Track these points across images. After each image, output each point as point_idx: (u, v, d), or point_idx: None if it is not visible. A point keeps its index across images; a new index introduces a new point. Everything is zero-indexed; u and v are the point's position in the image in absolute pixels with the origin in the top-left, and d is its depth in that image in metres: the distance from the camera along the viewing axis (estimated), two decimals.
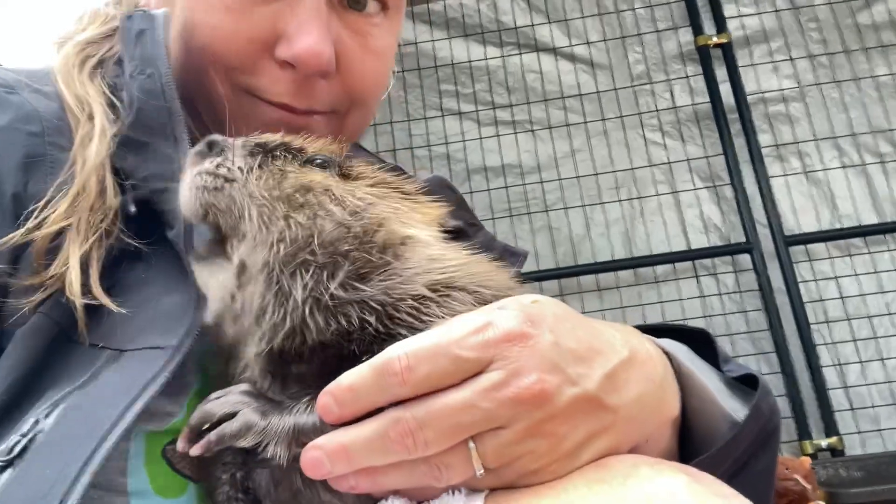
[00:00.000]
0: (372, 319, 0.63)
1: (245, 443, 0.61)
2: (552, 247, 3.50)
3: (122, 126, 0.83)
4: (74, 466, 0.58)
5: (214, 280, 0.70)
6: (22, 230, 0.72)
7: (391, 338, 0.62)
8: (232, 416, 0.62)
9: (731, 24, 3.64)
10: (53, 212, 0.73)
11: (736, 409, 0.68)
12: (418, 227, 0.72)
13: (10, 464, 0.62)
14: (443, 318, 0.62)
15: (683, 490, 0.52)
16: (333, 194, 0.70)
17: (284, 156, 0.73)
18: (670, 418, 0.67)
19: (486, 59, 3.75)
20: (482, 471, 0.55)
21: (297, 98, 0.88)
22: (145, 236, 0.81)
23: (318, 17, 0.85)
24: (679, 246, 3.47)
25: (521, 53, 3.76)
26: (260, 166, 0.71)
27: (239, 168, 0.70)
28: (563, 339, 0.58)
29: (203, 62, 0.87)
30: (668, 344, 0.71)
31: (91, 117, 0.81)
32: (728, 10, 3.66)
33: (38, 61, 0.95)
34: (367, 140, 1.11)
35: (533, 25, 3.76)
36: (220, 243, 0.71)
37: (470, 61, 3.75)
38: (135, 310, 0.73)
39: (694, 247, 3.46)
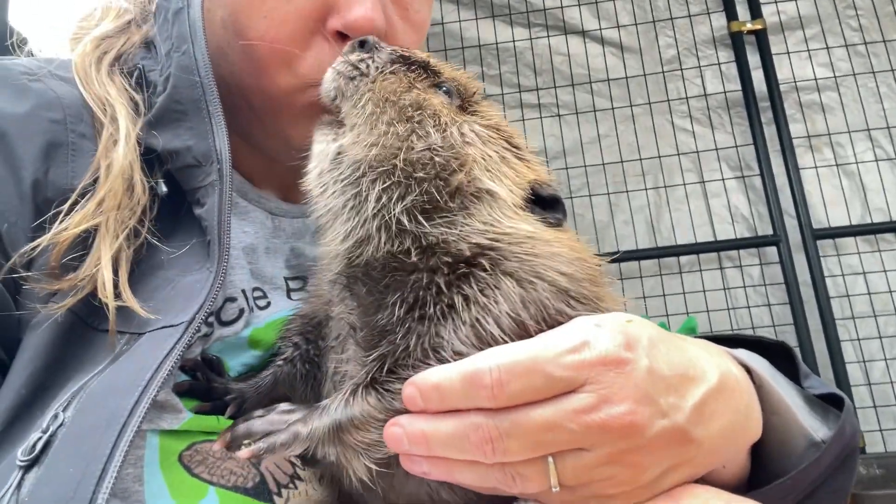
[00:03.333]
0: (416, 259, 0.65)
1: (295, 451, 0.62)
2: (575, 234, 3.44)
3: (153, 107, 0.83)
4: (97, 464, 0.58)
5: (318, 148, 0.74)
6: (48, 236, 0.72)
7: (425, 302, 0.63)
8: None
9: (766, 10, 3.54)
10: (77, 213, 0.73)
11: (815, 427, 0.67)
12: (503, 184, 0.71)
13: (34, 462, 0.61)
14: (475, 299, 0.62)
15: None
16: (439, 120, 0.71)
17: (419, 72, 0.76)
18: (750, 443, 0.66)
19: (513, 40, 3.69)
20: (558, 487, 0.55)
21: None
22: (167, 211, 0.81)
23: None
24: (705, 236, 3.41)
25: (549, 35, 3.68)
26: (393, 72, 0.75)
27: (376, 67, 0.75)
28: (658, 365, 0.57)
29: (262, 55, 0.86)
30: (749, 357, 0.70)
31: (114, 119, 0.81)
32: None
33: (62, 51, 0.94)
34: None
35: (562, 7, 3.69)
36: (338, 124, 0.75)
37: (497, 43, 3.69)
38: (154, 294, 0.73)
39: (720, 237, 3.41)
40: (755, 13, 3.53)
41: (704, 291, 3.33)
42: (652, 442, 0.54)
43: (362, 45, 0.77)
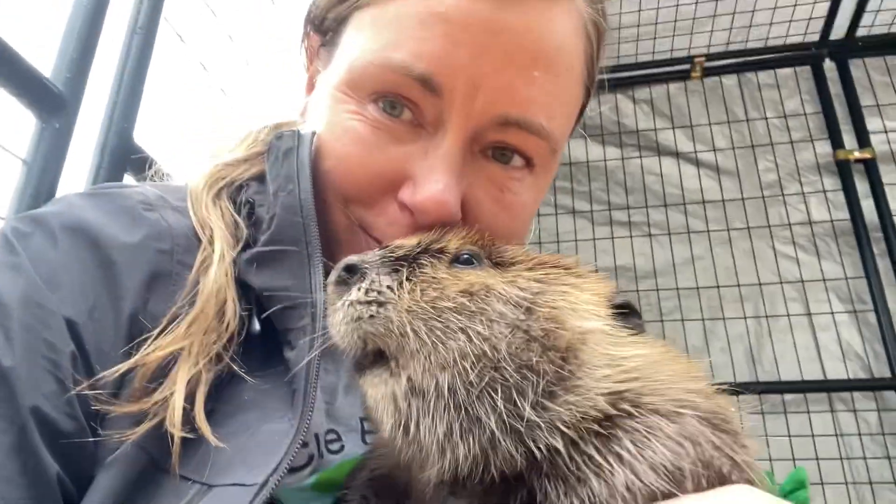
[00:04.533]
0: (560, 445, 0.54)
1: None
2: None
3: (255, 242, 0.83)
4: None
5: (378, 392, 0.62)
6: (134, 358, 0.70)
7: (575, 472, 0.54)
8: None
9: (875, 138, 3.39)
10: (168, 335, 0.72)
11: None
12: (593, 316, 0.63)
13: None
14: (630, 452, 0.53)
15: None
16: (497, 292, 0.61)
17: (430, 262, 0.67)
18: None
19: (604, 159, 3.69)
20: None
21: None
22: (259, 348, 0.79)
23: (449, 165, 0.80)
24: (812, 374, 3.11)
25: (641, 156, 3.66)
26: (409, 279, 0.65)
27: (388, 287, 0.64)
28: None
29: (323, 188, 0.85)
30: None
31: (212, 241, 0.81)
32: (871, 123, 3.43)
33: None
34: None
35: (655, 129, 3.68)
36: (382, 359, 0.64)
37: (588, 161, 3.70)
38: (231, 440, 0.69)
39: (830, 376, 3.10)
40: (863, 141, 3.38)
41: (813, 436, 2.99)
42: None
43: (350, 271, 0.68)
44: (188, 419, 0.68)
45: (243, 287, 0.81)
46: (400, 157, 0.82)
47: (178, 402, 0.67)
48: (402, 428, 0.60)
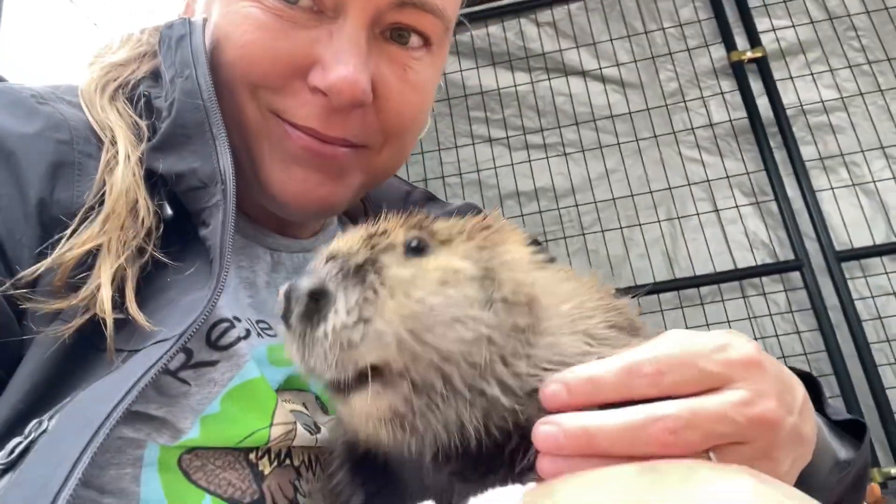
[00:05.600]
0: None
1: None
2: (590, 270, 3.38)
3: (156, 132, 0.83)
4: (67, 463, 0.56)
5: (372, 408, 0.59)
6: (51, 257, 0.71)
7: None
8: None
9: (765, 38, 3.56)
10: (83, 233, 0.73)
11: (838, 448, 0.72)
12: (534, 265, 0.68)
13: (10, 467, 0.60)
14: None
15: (749, 491, 0.46)
16: (465, 272, 0.62)
17: (390, 260, 0.63)
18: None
19: (514, 85, 3.74)
20: None
21: (326, 124, 0.85)
22: (176, 235, 0.80)
23: (356, 47, 0.82)
24: (724, 265, 3.33)
25: (549, 78, 3.73)
26: (382, 284, 0.60)
27: (365, 300, 0.59)
28: (778, 368, 0.61)
29: (229, 79, 0.86)
30: None
31: (114, 142, 0.81)
32: (761, 23, 3.59)
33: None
34: (398, 172, 1.09)
35: (561, 50, 3.74)
36: (370, 374, 0.60)
37: (499, 88, 3.74)
38: (154, 315, 0.72)
39: (740, 265, 3.32)
40: (754, 42, 3.54)
41: (729, 322, 3.22)
42: (786, 438, 0.57)
43: (315, 297, 0.60)
44: (118, 307, 0.70)
45: (152, 179, 0.81)
46: (305, 41, 0.83)
47: (105, 294, 0.69)
48: (405, 430, 0.59)
